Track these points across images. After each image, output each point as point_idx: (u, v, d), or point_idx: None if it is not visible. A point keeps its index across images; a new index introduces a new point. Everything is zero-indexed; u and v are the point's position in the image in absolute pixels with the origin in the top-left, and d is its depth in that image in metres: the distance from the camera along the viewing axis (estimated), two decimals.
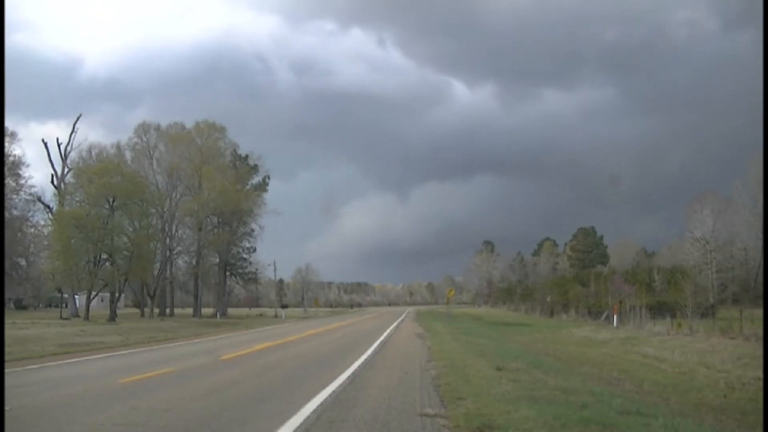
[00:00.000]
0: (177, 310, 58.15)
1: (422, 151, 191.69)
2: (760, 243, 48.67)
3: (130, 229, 42.71)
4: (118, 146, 52.58)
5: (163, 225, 51.60)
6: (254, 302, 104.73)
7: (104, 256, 40.92)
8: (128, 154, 52.72)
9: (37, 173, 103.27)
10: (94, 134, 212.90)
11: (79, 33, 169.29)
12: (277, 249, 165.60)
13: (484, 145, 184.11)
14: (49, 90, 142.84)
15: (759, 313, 25.68)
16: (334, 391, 9.41)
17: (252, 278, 74.43)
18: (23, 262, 61.84)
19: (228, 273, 66.38)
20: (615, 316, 35.96)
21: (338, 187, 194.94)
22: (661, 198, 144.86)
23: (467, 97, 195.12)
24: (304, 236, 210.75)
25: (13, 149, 52.29)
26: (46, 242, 53.25)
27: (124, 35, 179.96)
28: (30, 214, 56.70)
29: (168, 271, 54.58)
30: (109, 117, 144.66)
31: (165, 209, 51.41)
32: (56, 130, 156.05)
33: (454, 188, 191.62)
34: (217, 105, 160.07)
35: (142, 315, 48.17)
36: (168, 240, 52.87)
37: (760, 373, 13.31)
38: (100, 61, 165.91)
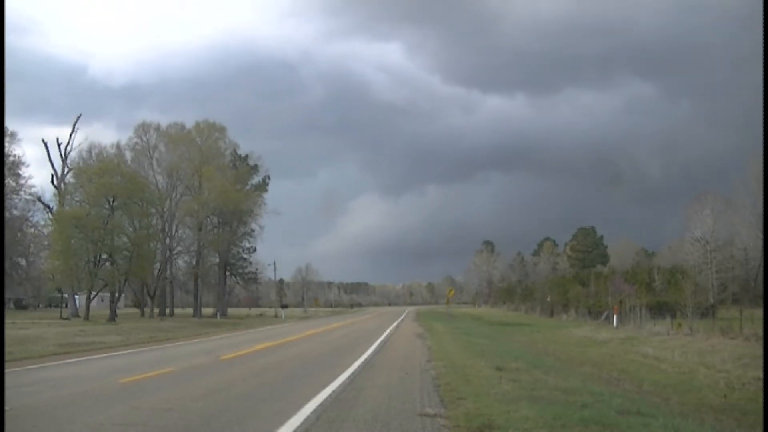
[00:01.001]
0: (177, 310, 58.20)
1: (424, 152, 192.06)
2: (760, 243, 48.57)
3: (130, 229, 42.77)
4: (118, 146, 52.70)
5: (163, 225, 51.63)
6: (254, 302, 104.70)
7: (104, 256, 40.96)
8: (128, 154, 52.79)
9: (38, 173, 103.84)
10: (110, 135, 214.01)
11: (101, 36, 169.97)
12: (277, 249, 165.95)
13: (486, 145, 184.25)
14: (71, 92, 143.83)
15: (759, 313, 25.67)
16: (334, 391, 9.41)
17: (252, 278, 74.51)
18: (23, 262, 61.91)
19: (228, 273, 66.41)
20: (615, 316, 35.92)
21: (340, 188, 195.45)
22: (665, 196, 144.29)
23: (473, 100, 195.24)
24: (305, 236, 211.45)
25: (13, 149, 52.44)
26: (46, 242, 53.30)
27: (143, 39, 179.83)
28: (30, 214, 56.84)
29: (168, 271, 54.61)
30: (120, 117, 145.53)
31: (165, 209, 51.45)
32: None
33: (455, 189, 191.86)
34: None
35: (142, 315, 48.20)
36: (168, 240, 52.90)
37: (760, 373, 13.32)
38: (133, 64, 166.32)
